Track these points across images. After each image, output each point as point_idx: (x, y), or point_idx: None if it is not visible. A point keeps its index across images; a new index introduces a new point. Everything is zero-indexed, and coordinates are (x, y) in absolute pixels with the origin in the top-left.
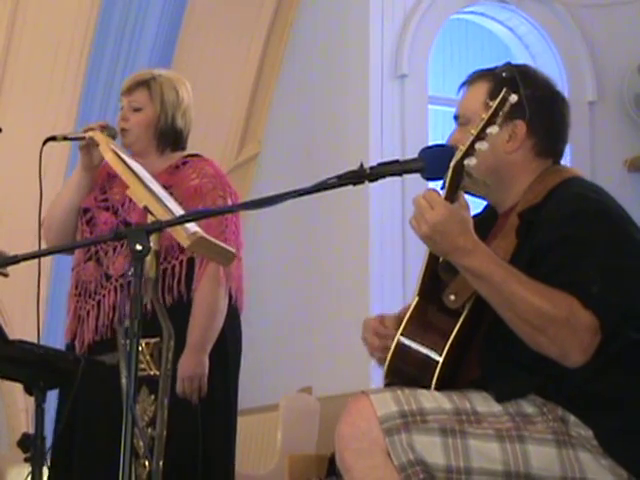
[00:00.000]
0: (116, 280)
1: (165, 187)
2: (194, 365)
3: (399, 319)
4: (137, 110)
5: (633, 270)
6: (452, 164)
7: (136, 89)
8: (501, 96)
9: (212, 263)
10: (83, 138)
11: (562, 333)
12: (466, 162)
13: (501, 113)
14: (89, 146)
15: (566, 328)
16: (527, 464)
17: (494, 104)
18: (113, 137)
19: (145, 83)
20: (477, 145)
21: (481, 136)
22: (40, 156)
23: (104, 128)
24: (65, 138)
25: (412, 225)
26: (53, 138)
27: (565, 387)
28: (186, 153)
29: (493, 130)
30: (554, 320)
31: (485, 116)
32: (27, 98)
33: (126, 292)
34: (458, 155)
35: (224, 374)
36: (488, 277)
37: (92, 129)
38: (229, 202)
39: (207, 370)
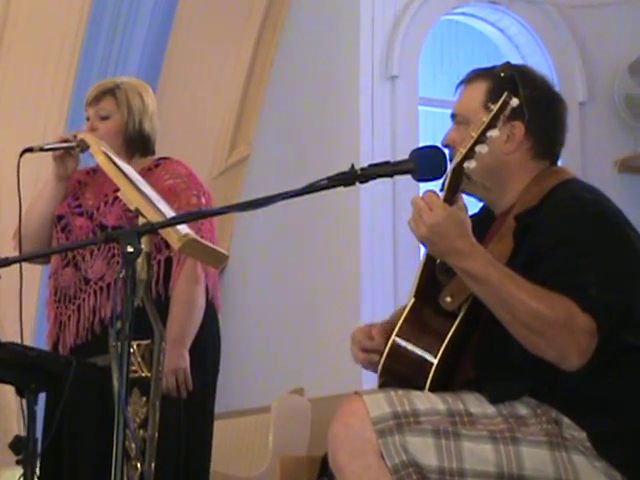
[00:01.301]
0: (95, 283)
1: None
2: (176, 359)
3: (388, 328)
4: (104, 119)
5: (630, 273)
6: (452, 166)
7: (102, 98)
8: (502, 100)
9: (189, 261)
10: (59, 149)
11: (560, 336)
12: (466, 165)
13: (502, 117)
14: (63, 156)
15: (564, 331)
16: (520, 466)
17: (495, 108)
18: (83, 149)
19: (110, 91)
20: (477, 148)
21: (481, 139)
22: (18, 168)
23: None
24: (42, 149)
25: (411, 226)
26: (30, 149)
27: (559, 389)
28: (157, 157)
29: (493, 134)
30: (552, 323)
31: (486, 119)
32: (16, 104)
33: (115, 294)
34: (458, 158)
35: (201, 372)
36: (486, 280)
37: (80, 132)
38: (202, 200)
39: (189, 364)
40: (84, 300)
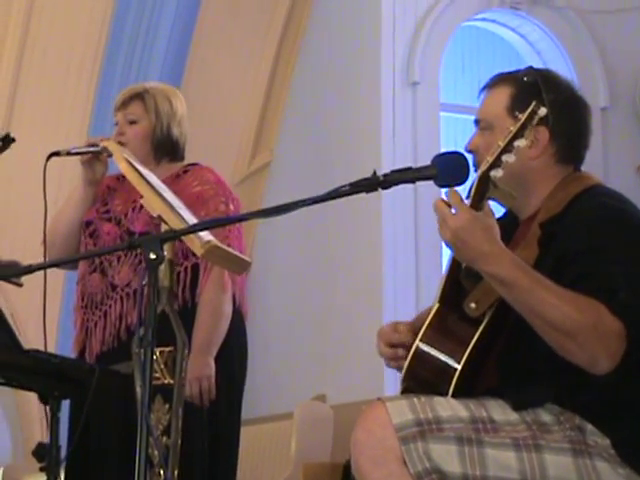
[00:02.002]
0: (122, 290)
1: None
2: (201, 366)
3: (413, 327)
4: (133, 123)
5: None
6: (478, 174)
7: (130, 102)
8: (530, 109)
9: (216, 268)
10: (86, 153)
11: (591, 339)
12: (492, 173)
13: (529, 126)
14: (91, 161)
15: (594, 334)
16: (544, 473)
17: (523, 117)
18: (111, 154)
19: (139, 96)
20: (504, 157)
21: (508, 148)
22: (44, 172)
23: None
24: (69, 153)
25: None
26: (57, 153)
27: (582, 396)
28: (186, 163)
29: (521, 143)
30: (582, 326)
31: (513, 128)
32: (39, 112)
33: (140, 301)
34: (484, 166)
35: (229, 381)
36: (515, 284)
37: (104, 140)
38: (231, 207)
39: (214, 372)
40: (110, 306)
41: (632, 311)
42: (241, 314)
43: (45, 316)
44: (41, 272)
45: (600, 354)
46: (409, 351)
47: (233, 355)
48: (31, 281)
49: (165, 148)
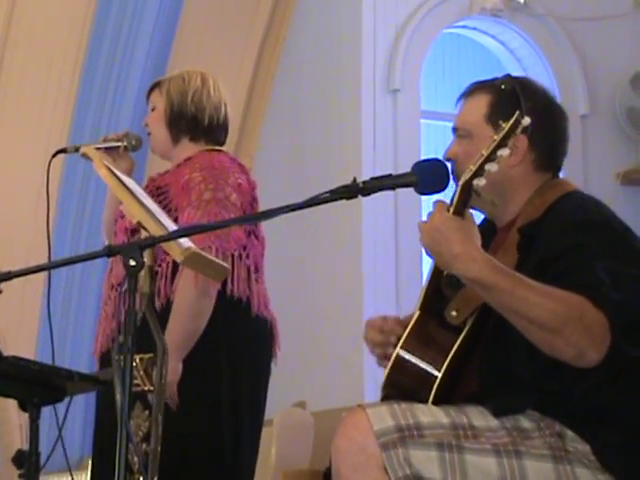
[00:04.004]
0: (115, 290)
1: (160, 187)
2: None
3: (401, 322)
4: (153, 110)
5: (637, 281)
6: (461, 183)
7: (151, 92)
8: (514, 119)
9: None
10: (100, 148)
11: (576, 332)
12: (475, 182)
13: (512, 136)
14: (117, 151)
15: (580, 326)
16: (524, 479)
17: (507, 126)
18: (135, 146)
19: (158, 84)
20: (487, 166)
21: (492, 158)
22: (48, 169)
23: (125, 137)
24: (77, 149)
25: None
26: (63, 150)
27: (563, 402)
28: (209, 148)
29: (504, 153)
30: (567, 320)
31: (497, 138)
32: (20, 110)
33: (119, 307)
34: (467, 175)
35: (212, 375)
36: (495, 286)
37: (84, 146)
38: (220, 195)
39: (179, 376)
40: (108, 305)
41: (615, 304)
42: (236, 302)
43: (50, 318)
44: (21, 279)
45: (587, 346)
46: (397, 343)
47: (217, 349)
48: (11, 288)
49: (179, 125)
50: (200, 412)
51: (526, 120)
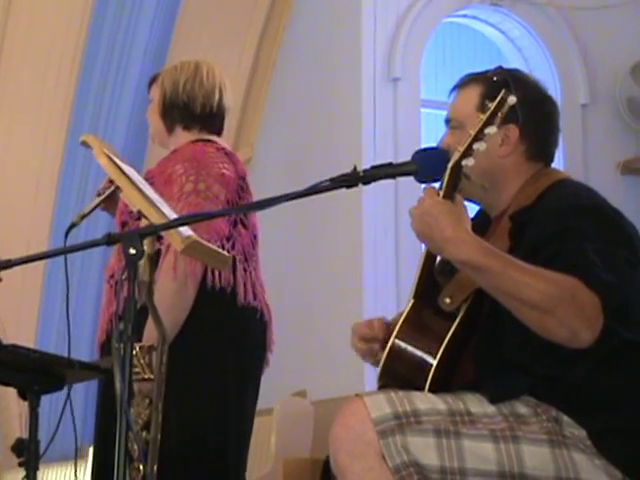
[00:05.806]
0: (107, 282)
1: (147, 179)
2: None
3: (389, 324)
4: (151, 102)
5: (629, 263)
6: (450, 165)
7: (151, 86)
8: (500, 97)
9: (168, 256)
10: (99, 203)
11: (569, 312)
12: (464, 163)
13: (499, 114)
14: (108, 206)
15: (572, 306)
16: (521, 464)
17: (492, 105)
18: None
19: (155, 77)
20: (475, 146)
21: (479, 137)
22: (65, 243)
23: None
24: (84, 216)
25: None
26: (73, 225)
27: (559, 387)
28: (197, 138)
29: (491, 130)
30: (560, 300)
31: (483, 117)
32: (19, 106)
33: (119, 295)
34: (456, 156)
35: (195, 365)
36: (487, 269)
37: (84, 135)
38: (203, 186)
39: None
40: (103, 296)
41: (607, 285)
42: (219, 293)
43: (68, 306)
44: (21, 268)
45: (580, 326)
46: (384, 346)
47: (202, 339)
48: (11, 277)
49: (172, 114)
50: (187, 403)
51: (512, 99)
